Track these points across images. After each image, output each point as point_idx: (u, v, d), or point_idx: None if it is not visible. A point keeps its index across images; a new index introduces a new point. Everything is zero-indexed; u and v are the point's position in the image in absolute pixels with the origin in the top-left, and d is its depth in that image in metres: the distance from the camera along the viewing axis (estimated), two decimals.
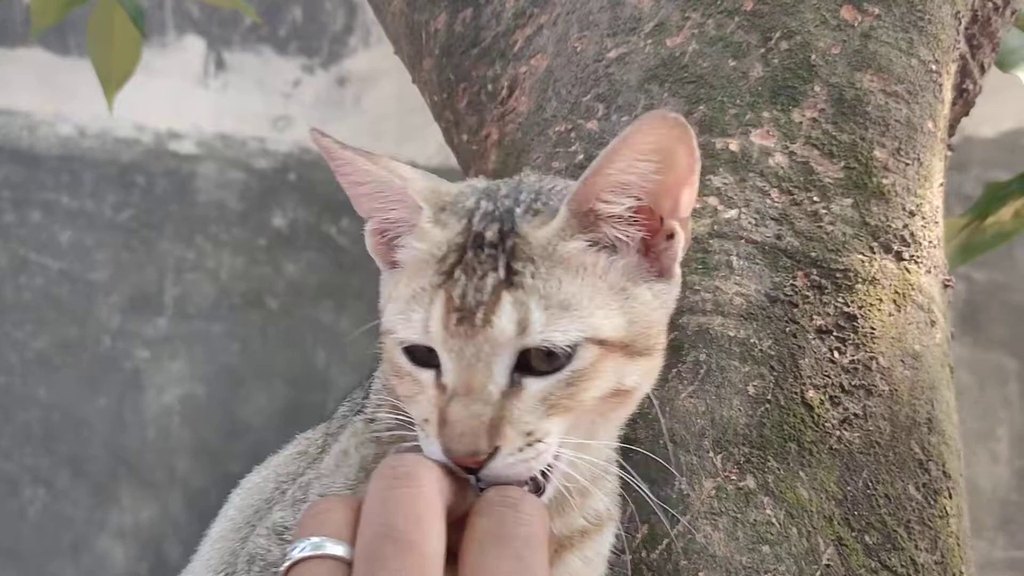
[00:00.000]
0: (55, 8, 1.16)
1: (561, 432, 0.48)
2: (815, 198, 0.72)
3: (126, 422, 1.80)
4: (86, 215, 1.85)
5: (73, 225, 1.85)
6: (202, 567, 0.65)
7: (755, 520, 0.62)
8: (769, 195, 0.71)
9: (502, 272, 0.47)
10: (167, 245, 1.85)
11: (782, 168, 0.72)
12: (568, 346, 0.47)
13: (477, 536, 0.43)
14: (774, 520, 0.63)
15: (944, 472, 0.72)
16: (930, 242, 0.76)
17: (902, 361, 0.72)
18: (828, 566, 0.63)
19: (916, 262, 0.74)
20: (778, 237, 0.70)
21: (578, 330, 0.47)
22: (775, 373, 0.67)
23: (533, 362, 0.47)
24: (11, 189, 1.83)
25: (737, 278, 0.69)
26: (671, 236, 0.52)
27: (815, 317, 0.70)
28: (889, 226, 0.73)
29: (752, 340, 0.68)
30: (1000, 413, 1.89)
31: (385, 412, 0.54)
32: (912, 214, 0.74)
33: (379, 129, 1.86)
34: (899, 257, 0.73)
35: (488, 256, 0.47)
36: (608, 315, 0.48)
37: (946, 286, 0.78)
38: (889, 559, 0.66)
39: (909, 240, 0.74)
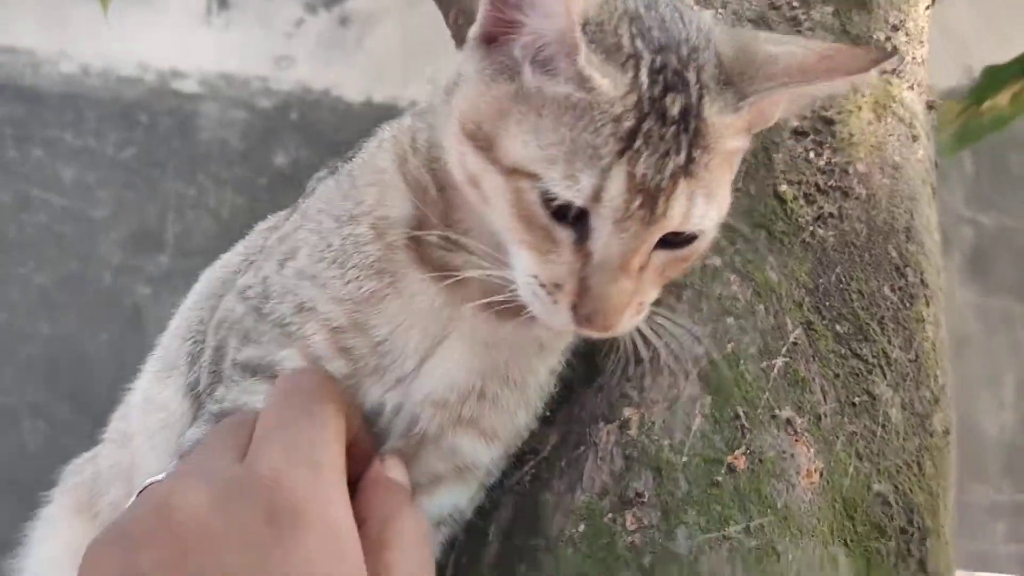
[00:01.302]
0: None
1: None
2: (795, 3, 0.70)
3: (126, 358, 1.79)
4: (89, 153, 1.85)
5: (76, 163, 1.85)
6: (170, 337, 0.64)
7: (720, 294, 0.61)
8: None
9: (683, 157, 0.44)
10: (169, 183, 1.85)
11: None
12: (704, 231, 0.47)
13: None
14: (740, 296, 0.61)
15: (922, 280, 0.70)
16: (913, 59, 0.74)
17: (881, 169, 0.70)
18: (795, 344, 0.61)
19: (898, 75, 0.73)
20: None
21: (717, 219, 0.47)
22: (746, 163, 0.65)
23: (666, 235, 0.46)
24: (14, 126, 1.84)
25: None
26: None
27: (790, 120, 0.68)
28: (871, 37, 0.72)
29: None
30: (1007, 359, 1.86)
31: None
32: (895, 28, 0.73)
33: (382, 70, 1.85)
34: (881, 69, 0.71)
35: (671, 134, 0.44)
36: (728, 201, 0.48)
37: (930, 107, 0.76)
38: (860, 349, 0.64)
39: (891, 52, 0.72)
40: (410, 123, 0.55)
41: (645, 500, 0.54)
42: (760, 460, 0.56)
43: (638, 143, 0.43)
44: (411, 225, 0.52)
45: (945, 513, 0.67)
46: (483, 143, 0.45)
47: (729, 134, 0.46)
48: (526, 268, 0.46)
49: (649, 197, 0.43)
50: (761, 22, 0.69)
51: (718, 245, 0.62)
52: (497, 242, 0.49)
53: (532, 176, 0.44)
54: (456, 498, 0.56)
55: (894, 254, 0.68)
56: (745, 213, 0.64)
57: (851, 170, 0.68)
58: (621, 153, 0.43)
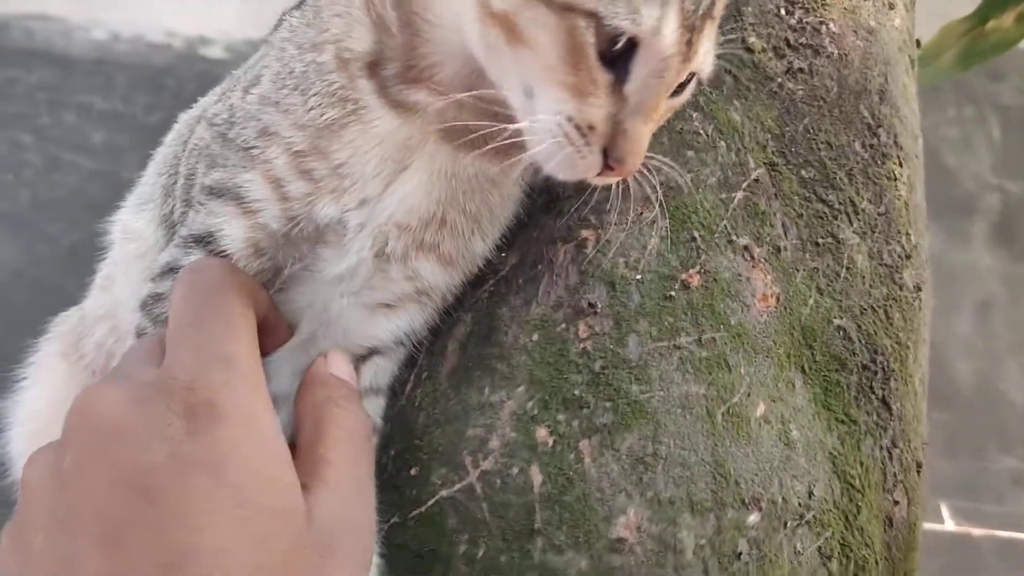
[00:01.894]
0: None
1: None
2: None
3: None
4: (118, 116, 1.90)
5: (105, 126, 1.90)
6: (148, 174, 0.67)
7: (681, 128, 0.61)
8: None
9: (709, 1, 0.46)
10: None
11: None
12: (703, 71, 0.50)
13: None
14: (701, 131, 0.62)
15: (895, 142, 0.70)
16: None
17: (855, 31, 0.71)
18: (757, 181, 0.62)
19: None
20: None
21: (712, 64, 0.50)
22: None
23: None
24: (46, 91, 1.90)
25: None
26: None
27: None
28: None
29: None
30: None
31: None
32: None
33: None
34: None
35: None
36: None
37: None
38: (826, 195, 0.65)
39: None
40: None
41: (598, 311, 0.55)
42: (715, 279, 0.57)
43: None
44: (374, 59, 0.54)
45: (915, 366, 0.67)
46: None
47: None
48: (561, 109, 0.46)
49: (687, 38, 0.45)
50: None
51: None
52: (471, 83, 0.50)
53: (590, 14, 0.44)
54: (413, 320, 0.57)
55: (866, 114, 0.68)
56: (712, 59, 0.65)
57: (823, 30, 0.69)
58: None
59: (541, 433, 0.52)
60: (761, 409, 0.56)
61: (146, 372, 0.43)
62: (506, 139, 0.48)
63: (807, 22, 0.68)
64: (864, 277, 0.64)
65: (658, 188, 0.56)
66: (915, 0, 0.78)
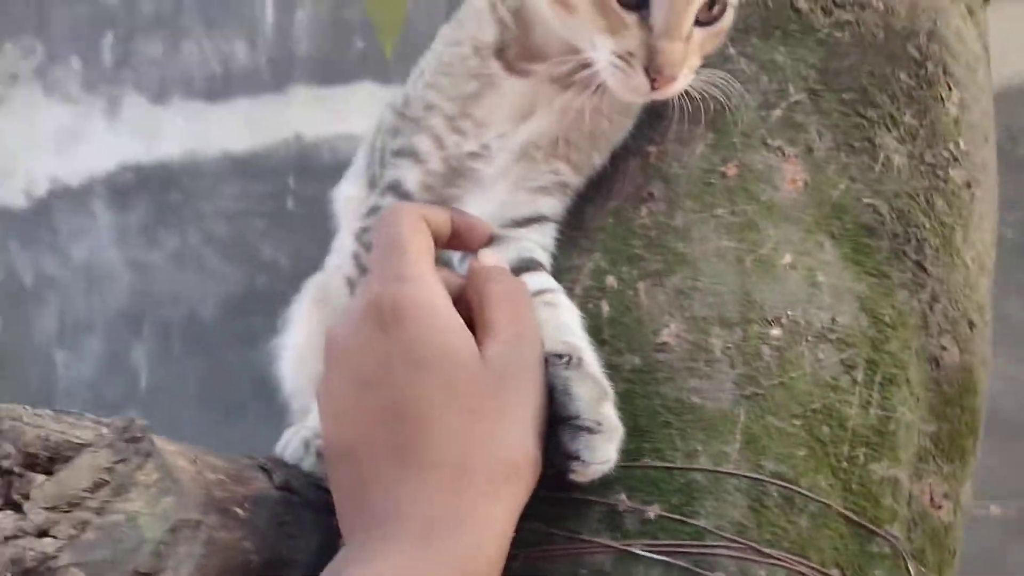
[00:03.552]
0: (395, 22, 1.61)
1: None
2: None
3: None
4: None
5: None
6: (360, 155, 0.99)
7: (728, 69, 0.84)
8: None
9: None
10: None
11: None
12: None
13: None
14: (745, 69, 0.84)
15: (945, 71, 0.87)
16: None
17: None
18: (796, 102, 0.83)
19: None
20: None
21: None
22: None
23: (699, 15, 0.69)
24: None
25: None
26: None
27: None
28: None
29: None
30: None
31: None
32: None
33: None
34: None
35: None
36: None
37: None
38: (865, 111, 0.83)
39: None
40: None
41: (656, 197, 0.79)
42: (749, 170, 0.79)
43: None
44: (499, 46, 0.83)
45: (965, 245, 0.84)
46: None
47: None
48: (606, 46, 0.73)
49: None
50: None
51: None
52: (559, 45, 0.79)
53: None
54: (559, 206, 0.84)
55: (913, 51, 0.86)
56: (762, 21, 0.87)
57: None
58: None
59: (610, 280, 0.76)
60: (788, 259, 0.76)
61: (356, 304, 0.65)
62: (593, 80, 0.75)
63: None
64: (901, 172, 0.82)
65: (705, 111, 0.80)
66: None
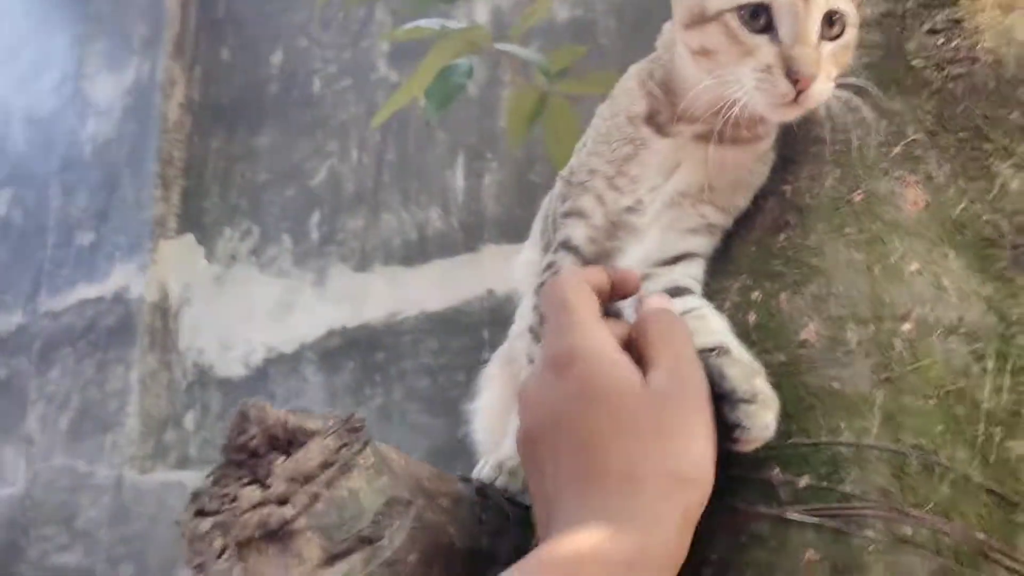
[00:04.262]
0: (523, 124, 1.85)
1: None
2: None
3: None
4: None
5: None
6: (536, 228, 1.17)
7: (848, 119, 0.97)
8: None
9: None
10: None
11: None
12: (840, 12, 0.82)
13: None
14: (866, 117, 0.97)
15: None
16: None
17: (1007, 44, 1.00)
18: (914, 140, 0.96)
19: None
20: None
21: (845, 6, 0.83)
22: (882, 51, 1.02)
23: (823, 32, 0.81)
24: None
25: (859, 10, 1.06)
26: None
27: (923, 24, 1.04)
28: None
29: (863, 35, 1.02)
30: None
31: None
32: None
33: None
34: None
35: None
36: (851, 7, 0.85)
37: None
38: (981, 145, 0.93)
39: None
40: (645, 64, 1.05)
41: (791, 224, 0.92)
42: (874, 195, 0.91)
43: None
44: (648, 114, 1.01)
45: None
46: (697, 18, 0.84)
47: None
48: (749, 67, 0.86)
49: None
50: None
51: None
52: (707, 102, 0.94)
53: (731, 8, 0.81)
54: (706, 244, 0.97)
55: (1023, 95, 0.99)
56: (880, 74, 1.00)
57: (979, 48, 1.00)
58: None
59: (755, 294, 0.89)
60: (914, 266, 0.87)
61: (539, 359, 0.78)
62: (739, 124, 0.90)
63: (963, 46, 1.01)
64: (1020, 194, 0.92)
65: (831, 151, 0.94)
66: None
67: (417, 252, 3.26)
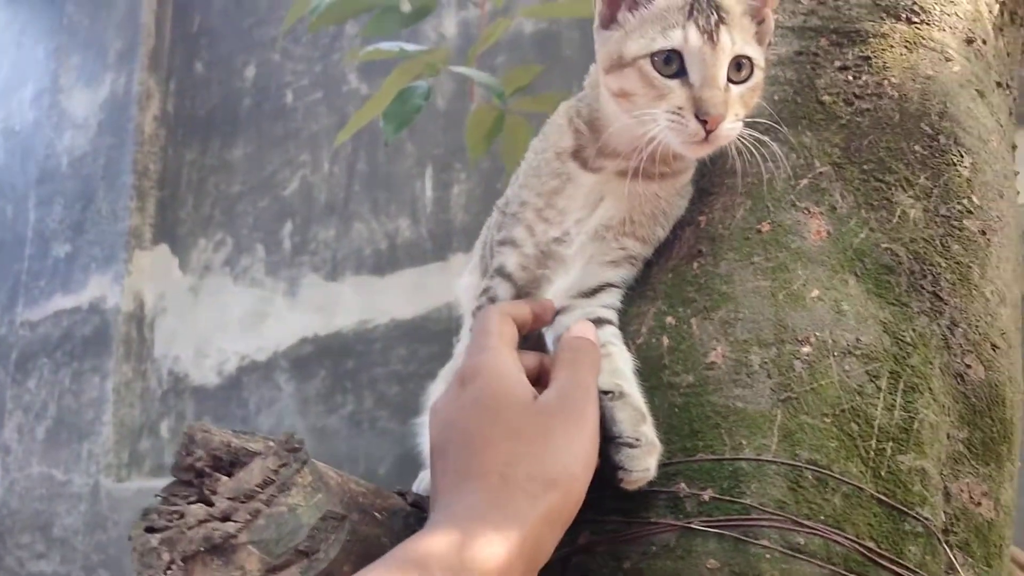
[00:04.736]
0: (483, 142, 1.91)
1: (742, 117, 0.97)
2: None
3: None
4: None
5: None
6: (476, 251, 1.23)
7: (761, 153, 1.04)
8: (800, 2, 1.16)
9: (716, 17, 0.84)
10: None
11: None
12: (747, 57, 0.87)
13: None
14: (778, 152, 1.03)
15: (956, 142, 1.04)
16: (943, 12, 1.13)
17: (913, 79, 1.07)
18: (821, 172, 1.02)
19: (927, 23, 1.11)
20: (805, 21, 1.14)
21: (752, 52, 0.87)
22: (794, 87, 1.09)
23: (731, 75, 0.86)
24: None
25: (773, 48, 1.13)
26: (763, 21, 0.98)
27: (835, 61, 1.10)
28: (899, 4, 1.06)
29: (776, 72, 1.10)
30: None
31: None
32: None
33: None
34: (909, 21, 1.09)
35: (707, 9, 0.84)
36: (758, 53, 0.90)
37: (968, 41, 1.13)
38: (883, 177, 1.00)
39: (919, 11, 1.10)
40: (574, 102, 1.12)
41: (704, 253, 0.98)
42: (780, 226, 0.98)
43: (695, 13, 0.84)
44: (575, 149, 1.07)
45: (983, 280, 0.99)
46: (616, 63, 0.88)
47: (735, 5, 0.92)
48: (663, 108, 0.92)
49: (709, 36, 0.84)
50: (811, 13, 1.14)
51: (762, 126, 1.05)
52: (628, 140, 1.00)
53: (646, 55, 0.86)
54: (628, 273, 1.03)
55: (926, 128, 1.03)
56: (791, 112, 1.07)
57: (885, 84, 1.07)
58: (688, 17, 0.84)
59: (669, 319, 0.95)
60: (816, 292, 0.94)
61: (454, 379, 0.87)
62: (656, 162, 0.96)
63: (871, 82, 1.07)
64: (917, 223, 0.98)
65: (743, 184, 1.01)
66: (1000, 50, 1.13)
67: (387, 261, 3.32)
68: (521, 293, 1.03)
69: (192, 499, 0.85)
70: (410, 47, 1.83)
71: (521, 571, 0.68)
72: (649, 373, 0.92)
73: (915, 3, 1.11)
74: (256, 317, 3.45)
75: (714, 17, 0.90)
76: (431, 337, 3.07)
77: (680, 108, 0.90)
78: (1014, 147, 1.17)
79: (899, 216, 0.97)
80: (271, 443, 0.87)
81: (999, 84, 1.13)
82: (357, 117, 1.91)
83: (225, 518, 0.84)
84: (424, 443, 1.19)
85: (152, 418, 3.52)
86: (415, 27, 2.82)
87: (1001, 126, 1.10)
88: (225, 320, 3.47)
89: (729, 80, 0.91)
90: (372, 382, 3.22)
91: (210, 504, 0.85)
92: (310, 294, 3.33)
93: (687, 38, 0.89)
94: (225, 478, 0.86)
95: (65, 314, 3.61)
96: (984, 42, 1.13)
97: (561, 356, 0.82)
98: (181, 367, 3.48)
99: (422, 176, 3.24)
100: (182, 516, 0.84)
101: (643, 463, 0.79)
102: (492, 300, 1.04)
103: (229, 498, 0.84)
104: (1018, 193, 1.11)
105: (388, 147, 3.04)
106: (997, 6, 1.18)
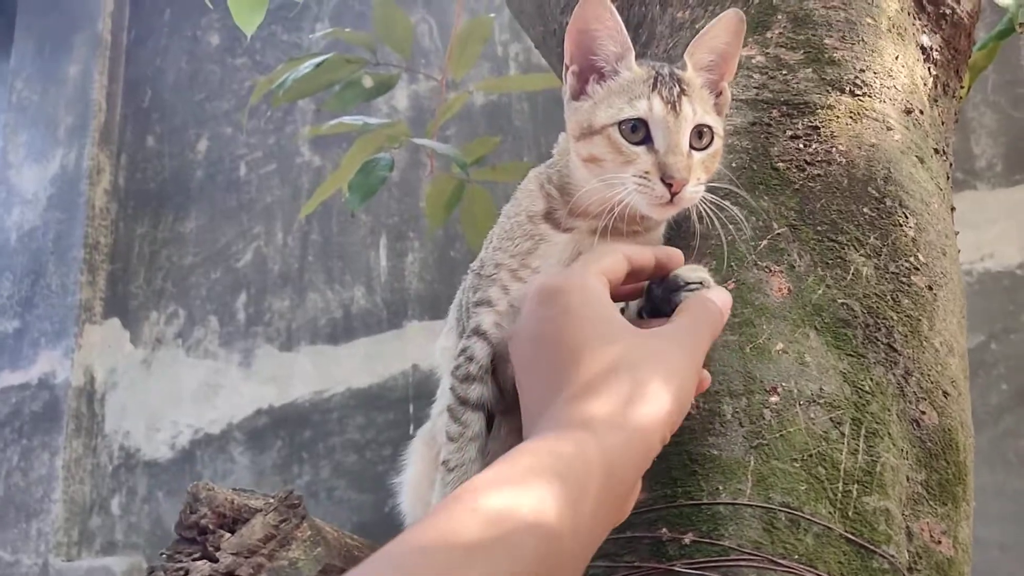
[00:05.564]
0: (442, 211, 1.98)
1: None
2: (784, 73, 1.23)
3: None
4: None
5: None
6: (451, 315, 1.28)
7: (722, 217, 1.11)
8: (752, 77, 1.25)
9: (678, 89, 0.89)
10: None
11: (761, 62, 1.25)
12: (707, 126, 0.92)
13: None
14: (738, 216, 1.11)
15: (901, 204, 1.12)
16: (883, 85, 1.22)
17: (859, 147, 1.15)
18: (779, 234, 1.10)
19: (869, 96, 1.20)
20: (758, 94, 1.23)
21: (712, 121, 0.92)
22: (750, 155, 1.17)
23: (693, 142, 0.90)
24: None
25: (729, 119, 1.21)
26: (720, 93, 1.07)
27: (787, 130, 1.19)
28: (843, 78, 1.17)
29: (733, 141, 1.19)
30: None
31: None
32: (863, 71, 1.21)
33: None
34: (853, 94, 1.18)
35: (670, 81, 0.89)
36: (717, 122, 0.94)
37: (907, 111, 1.22)
38: (836, 237, 1.08)
39: (862, 84, 1.19)
40: (543, 169, 1.18)
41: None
42: (744, 284, 1.04)
43: (658, 86, 0.89)
44: (546, 212, 1.13)
45: (932, 332, 1.06)
46: (587, 131, 0.92)
47: (695, 77, 1.00)
48: (630, 172, 0.97)
49: (672, 106, 0.89)
50: (762, 87, 1.23)
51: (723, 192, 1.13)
52: (598, 201, 1.07)
53: (614, 124, 0.90)
54: None
55: (872, 191, 1.12)
56: (748, 179, 1.15)
57: (834, 151, 1.15)
58: (652, 89, 0.89)
59: None
60: (780, 346, 1.00)
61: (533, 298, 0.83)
62: (625, 221, 1.02)
63: (820, 149, 1.16)
64: (870, 280, 1.05)
65: (707, 246, 1.07)
66: (936, 118, 1.22)
67: (343, 330, 3.35)
68: (497, 351, 1.08)
69: (196, 555, 0.88)
70: (373, 121, 1.89)
71: (666, 437, 0.77)
72: None
73: (857, 77, 1.19)
74: (210, 389, 3.45)
75: (676, 89, 0.97)
76: (388, 406, 3.10)
77: (647, 172, 0.96)
78: (953, 209, 1.25)
79: (852, 273, 1.04)
80: (271, 500, 0.91)
81: (936, 151, 1.21)
82: (321, 190, 1.97)
83: (229, 573, 0.87)
84: (410, 507, 1.23)
85: (103, 494, 3.48)
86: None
87: (940, 189, 1.18)
88: (178, 393, 3.46)
89: (691, 147, 0.98)
90: (329, 452, 3.23)
91: (214, 560, 0.88)
92: (265, 365, 3.34)
93: (652, 108, 0.96)
94: (228, 534, 0.89)
95: (14, 390, 3.57)
96: (921, 112, 1.21)
97: (689, 305, 0.86)
98: (133, 442, 3.45)
99: (376, 245, 3.29)
100: (187, 573, 0.87)
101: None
102: (470, 360, 1.09)
103: (233, 553, 0.88)
104: (959, 252, 1.19)
105: (344, 218, 3.09)
106: (931, 79, 1.26)
